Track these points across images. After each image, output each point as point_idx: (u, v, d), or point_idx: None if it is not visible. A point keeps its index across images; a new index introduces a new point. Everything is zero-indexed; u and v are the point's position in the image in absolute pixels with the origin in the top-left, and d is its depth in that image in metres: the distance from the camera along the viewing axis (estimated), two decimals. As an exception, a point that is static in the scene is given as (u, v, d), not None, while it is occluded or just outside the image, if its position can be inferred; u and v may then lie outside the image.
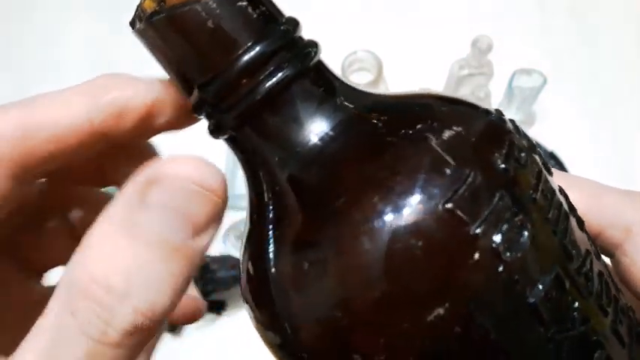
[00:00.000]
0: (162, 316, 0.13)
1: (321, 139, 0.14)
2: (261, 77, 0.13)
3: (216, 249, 0.64)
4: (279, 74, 0.13)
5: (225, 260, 0.64)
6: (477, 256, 0.12)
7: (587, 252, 0.14)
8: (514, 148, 0.14)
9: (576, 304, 0.13)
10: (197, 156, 0.13)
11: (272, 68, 0.13)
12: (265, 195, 0.14)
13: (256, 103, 0.13)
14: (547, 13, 0.83)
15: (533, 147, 0.15)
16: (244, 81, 0.13)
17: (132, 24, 0.14)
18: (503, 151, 0.14)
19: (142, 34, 0.14)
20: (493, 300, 0.12)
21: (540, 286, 0.12)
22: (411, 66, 0.79)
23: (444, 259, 0.12)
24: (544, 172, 0.15)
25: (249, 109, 0.14)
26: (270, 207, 0.14)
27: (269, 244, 0.14)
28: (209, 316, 0.68)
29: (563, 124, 0.76)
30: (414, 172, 0.13)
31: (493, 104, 0.74)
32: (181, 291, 0.13)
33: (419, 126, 0.13)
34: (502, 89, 0.75)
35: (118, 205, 0.13)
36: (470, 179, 0.12)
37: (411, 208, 0.12)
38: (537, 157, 0.15)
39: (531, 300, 0.12)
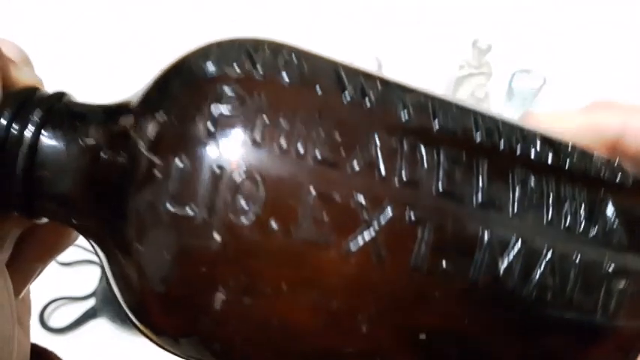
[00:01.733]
0: None
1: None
2: (11, 146, 0.14)
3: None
4: (25, 133, 0.14)
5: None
6: (215, 235, 0.12)
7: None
8: (220, 98, 0.13)
9: (365, 201, 0.13)
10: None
11: (14, 135, 0.14)
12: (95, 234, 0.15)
13: (25, 167, 0.14)
14: (547, 13, 0.83)
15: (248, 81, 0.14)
16: (7, 160, 0.14)
17: None
18: (206, 113, 0.13)
19: None
20: (255, 262, 0.13)
21: (301, 214, 0.12)
22: (411, 66, 0.79)
23: (193, 248, 0.13)
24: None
25: (24, 177, 0.14)
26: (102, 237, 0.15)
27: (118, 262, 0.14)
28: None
29: (563, 124, 0.76)
30: (138, 191, 0.13)
31: (493, 104, 0.74)
32: None
33: (131, 134, 0.14)
34: (502, 89, 0.75)
35: None
36: (176, 171, 0.13)
37: (145, 222, 0.13)
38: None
39: (302, 235, 0.13)
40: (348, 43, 0.77)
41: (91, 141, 0.14)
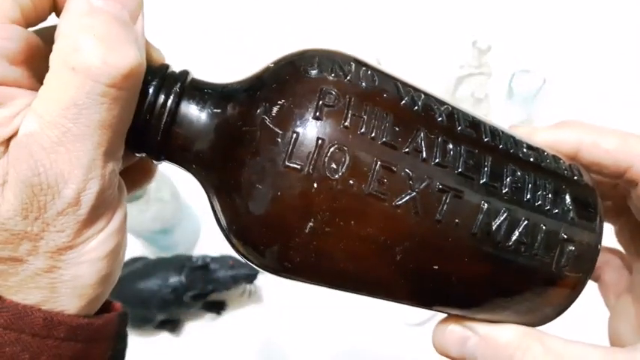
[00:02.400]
0: (139, 68, 0.18)
1: (217, 120, 0.20)
2: (158, 109, 0.20)
3: (216, 249, 0.64)
4: (169, 101, 0.20)
5: (225, 260, 0.64)
6: (315, 185, 0.19)
7: (421, 136, 0.20)
8: (323, 95, 0.19)
9: (411, 174, 0.19)
10: None
11: (161, 101, 0.20)
12: (211, 174, 0.21)
13: (166, 123, 0.20)
14: (547, 13, 0.83)
15: (351, 73, 0.20)
16: (148, 118, 0.19)
17: None
18: (314, 103, 0.19)
19: None
20: (341, 204, 0.19)
21: (371, 179, 0.19)
22: (411, 66, 0.79)
23: (299, 191, 0.19)
24: (369, 87, 0.20)
25: (164, 133, 0.20)
26: (216, 179, 0.21)
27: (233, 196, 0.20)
28: (209, 316, 0.68)
29: (562, 124, 0.76)
30: (262, 150, 0.19)
31: (493, 104, 0.74)
32: (143, 52, 0.18)
33: (258, 111, 0.19)
34: (502, 89, 0.75)
35: None
36: (292, 139, 0.19)
37: (266, 172, 0.19)
38: (363, 78, 0.20)
39: (369, 190, 0.19)
40: (349, 43, 0.78)
41: (219, 109, 0.20)
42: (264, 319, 0.68)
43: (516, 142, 0.23)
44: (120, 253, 0.20)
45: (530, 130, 0.25)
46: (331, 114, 0.19)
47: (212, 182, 0.21)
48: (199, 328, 0.68)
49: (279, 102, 0.19)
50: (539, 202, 0.21)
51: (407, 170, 0.19)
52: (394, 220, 0.19)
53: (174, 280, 0.62)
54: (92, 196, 0.18)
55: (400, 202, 0.19)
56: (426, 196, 0.19)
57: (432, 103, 0.21)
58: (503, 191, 0.21)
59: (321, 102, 0.19)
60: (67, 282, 0.18)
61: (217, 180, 0.20)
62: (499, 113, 0.76)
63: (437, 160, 0.20)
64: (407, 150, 0.19)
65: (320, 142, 0.18)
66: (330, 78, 0.20)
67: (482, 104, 0.71)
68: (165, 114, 0.19)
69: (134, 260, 0.67)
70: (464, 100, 0.73)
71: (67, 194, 0.17)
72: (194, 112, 0.20)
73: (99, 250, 0.19)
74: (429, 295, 0.22)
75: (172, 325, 0.67)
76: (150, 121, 0.19)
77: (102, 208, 0.18)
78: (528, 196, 0.21)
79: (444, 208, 0.19)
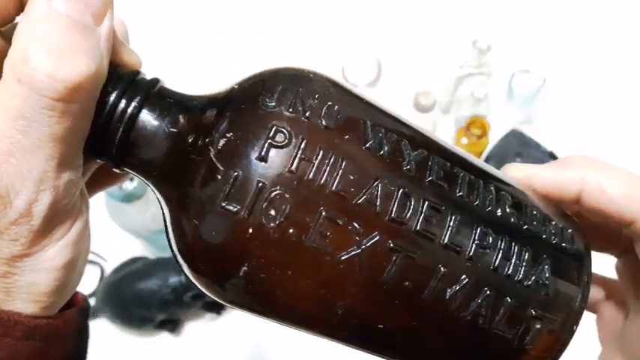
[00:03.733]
0: (90, 79, 0.17)
1: (170, 139, 0.19)
2: (117, 116, 0.18)
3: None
4: (129, 108, 0.18)
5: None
6: (250, 230, 0.17)
7: (377, 179, 0.18)
8: (273, 133, 0.18)
9: (358, 228, 0.18)
10: None
11: (121, 107, 0.18)
12: (164, 191, 0.20)
13: (124, 131, 0.18)
14: (547, 13, 0.83)
15: (309, 109, 0.18)
16: (107, 124, 0.18)
17: None
18: (261, 142, 0.18)
19: None
20: (277, 253, 0.18)
21: (312, 231, 0.17)
22: (411, 66, 0.79)
23: (233, 234, 0.18)
24: (317, 128, 0.18)
25: (121, 141, 0.18)
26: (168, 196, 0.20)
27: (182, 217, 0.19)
28: (209, 316, 0.68)
29: (562, 124, 0.76)
30: (202, 184, 0.18)
31: (493, 104, 0.74)
32: (99, 61, 0.17)
33: (206, 140, 0.18)
34: (502, 89, 0.75)
35: None
36: (232, 179, 0.17)
37: (205, 208, 0.18)
38: (319, 113, 0.18)
39: (309, 242, 0.17)
40: (349, 43, 0.78)
41: (175, 129, 0.19)
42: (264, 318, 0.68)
43: (498, 199, 0.20)
44: (78, 263, 0.20)
45: (530, 173, 0.22)
46: (277, 156, 0.17)
47: (164, 196, 0.20)
48: (199, 328, 0.68)
49: (227, 135, 0.18)
50: (509, 272, 0.19)
51: (355, 224, 0.17)
52: (336, 275, 0.18)
53: (174, 280, 0.62)
54: (44, 207, 0.17)
55: (343, 258, 0.17)
56: (373, 254, 0.18)
57: (403, 146, 0.19)
58: (467, 256, 0.18)
59: (269, 141, 0.17)
60: (22, 287, 0.18)
61: (167, 196, 0.20)
62: (499, 113, 0.76)
63: (392, 215, 0.18)
64: (359, 201, 0.17)
65: (260, 185, 0.17)
66: (286, 113, 0.18)
67: (482, 104, 0.71)
68: (125, 121, 0.18)
69: (134, 260, 0.67)
70: (464, 100, 0.73)
71: (18, 205, 0.17)
72: (152, 124, 0.19)
73: (56, 259, 0.18)
74: (377, 349, 0.20)
75: (172, 325, 0.67)
76: (109, 128, 0.18)
77: (57, 218, 0.18)
78: (496, 264, 0.19)
79: (393, 269, 0.18)
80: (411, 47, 0.81)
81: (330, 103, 0.19)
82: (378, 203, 0.18)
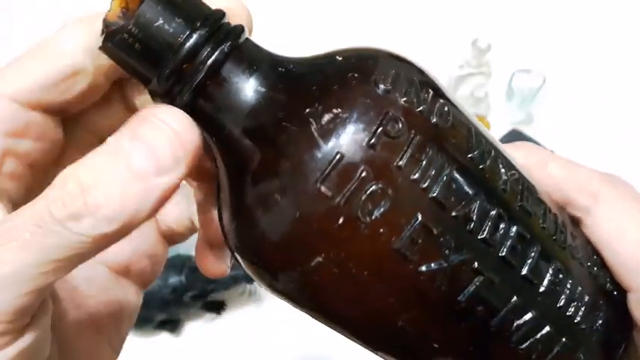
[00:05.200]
0: (120, 227, 0.16)
1: (257, 99, 0.17)
2: (200, 60, 0.16)
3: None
4: (213, 56, 0.16)
5: (225, 260, 0.64)
6: (340, 220, 0.16)
7: (475, 196, 0.17)
8: (387, 121, 0.16)
9: (450, 242, 0.16)
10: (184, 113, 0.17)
11: (207, 51, 0.16)
12: (227, 151, 0.18)
13: (201, 80, 0.16)
14: (547, 13, 0.83)
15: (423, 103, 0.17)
16: (185, 66, 0.16)
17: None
18: (373, 128, 0.16)
19: (104, 51, 0.17)
20: (360, 250, 0.16)
21: (404, 235, 0.16)
22: (411, 66, 0.79)
23: (320, 220, 0.16)
24: (432, 128, 0.17)
25: (196, 88, 0.16)
26: (233, 161, 0.18)
27: (243, 189, 0.17)
28: (209, 316, 0.68)
29: (562, 123, 0.76)
30: (294, 157, 0.16)
31: (492, 104, 0.74)
32: (138, 216, 0.16)
33: (307, 110, 0.16)
34: (501, 89, 0.75)
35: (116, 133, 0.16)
36: (334, 160, 0.16)
37: (292, 184, 0.16)
38: (435, 108, 0.17)
39: (396, 246, 0.16)
40: (348, 43, 0.78)
41: (265, 88, 0.17)
42: (264, 319, 0.68)
43: (572, 237, 0.20)
44: None
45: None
46: (388, 147, 0.16)
47: (228, 167, 0.18)
48: (199, 328, 0.68)
49: (334, 110, 0.16)
50: (571, 313, 0.18)
51: (448, 237, 0.16)
52: (412, 286, 0.17)
53: (174, 280, 0.62)
54: None
55: (425, 270, 0.16)
56: (457, 272, 0.17)
57: (500, 164, 0.18)
58: (540, 290, 0.18)
59: (381, 129, 0.16)
60: None
61: (235, 168, 0.18)
62: (499, 113, 0.76)
63: (484, 236, 0.17)
64: (456, 214, 0.16)
65: (364, 174, 0.16)
66: (401, 102, 0.16)
67: (482, 104, 0.71)
68: (209, 65, 0.16)
69: (134, 260, 0.67)
70: (464, 100, 0.73)
71: None
72: (239, 76, 0.17)
73: None
74: None
75: (172, 325, 0.67)
76: (186, 67, 0.16)
77: None
78: (562, 303, 0.18)
79: (470, 291, 0.17)
80: (411, 46, 0.81)
81: (441, 100, 0.17)
82: (474, 219, 0.17)
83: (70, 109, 0.18)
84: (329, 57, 0.18)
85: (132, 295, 0.25)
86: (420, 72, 0.18)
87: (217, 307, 0.68)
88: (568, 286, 0.19)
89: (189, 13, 0.16)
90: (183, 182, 0.21)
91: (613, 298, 0.20)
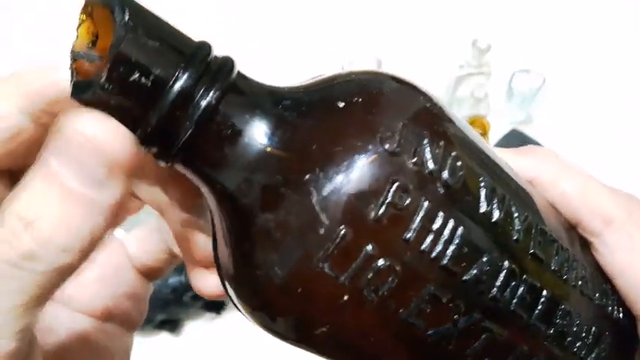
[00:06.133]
0: (78, 253, 0.15)
1: (254, 155, 0.15)
2: (190, 108, 0.14)
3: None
4: (203, 102, 0.14)
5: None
6: (345, 297, 0.15)
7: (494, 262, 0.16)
8: (395, 191, 0.15)
9: (460, 307, 0.16)
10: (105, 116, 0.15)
11: (197, 97, 0.14)
12: (223, 204, 0.16)
13: (192, 132, 0.14)
14: (547, 13, 0.83)
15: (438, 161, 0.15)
16: (178, 114, 0.14)
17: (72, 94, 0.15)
18: (380, 200, 0.15)
19: (77, 101, 0.15)
20: (366, 322, 0.15)
21: (413, 306, 0.15)
22: (411, 65, 0.79)
23: (322, 302, 0.15)
24: (443, 197, 0.15)
25: (187, 140, 0.15)
26: (230, 209, 0.16)
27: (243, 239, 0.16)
28: (209, 316, 0.68)
29: (562, 123, 0.76)
30: (295, 231, 0.15)
31: (492, 104, 0.74)
32: (83, 236, 0.15)
33: (307, 177, 0.15)
34: (501, 89, 0.75)
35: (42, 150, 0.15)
36: (338, 239, 0.14)
37: (291, 261, 0.15)
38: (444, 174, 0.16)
39: (404, 317, 0.15)
40: (348, 43, 0.78)
41: (261, 147, 0.15)
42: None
43: (576, 267, 0.19)
44: None
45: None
46: (396, 220, 0.15)
47: (228, 217, 0.16)
48: (199, 328, 0.68)
49: (337, 180, 0.14)
50: (576, 350, 0.18)
51: (457, 302, 0.15)
52: (419, 349, 0.16)
53: (174, 280, 0.62)
54: None
55: (433, 333, 0.16)
56: (465, 332, 0.16)
57: (513, 206, 0.17)
58: (547, 334, 0.17)
59: (389, 200, 0.14)
60: None
61: (232, 221, 0.16)
62: (499, 113, 0.76)
63: (494, 294, 0.16)
64: (466, 278, 0.15)
65: (370, 251, 0.14)
66: (410, 166, 0.15)
67: (481, 104, 0.71)
68: (199, 113, 0.14)
69: (134, 260, 0.67)
70: (464, 100, 0.73)
71: None
72: (233, 126, 0.15)
73: None
74: None
75: (172, 325, 0.67)
76: (174, 116, 0.14)
77: None
78: (568, 344, 0.18)
79: (477, 346, 0.16)
80: (410, 47, 0.81)
81: (454, 153, 0.16)
82: (484, 280, 0.16)
83: (16, 165, 0.17)
84: (330, 101, 0.16)
85: (120, 339, 0.25)
86: (432, 117, 0.16)
87: (217, 307, 0.68)
88: (575, 325, 0.18)
89: (170, 58, 0.14)
90: (156, 215, 0.20)
91: (621, 324, 0.20)
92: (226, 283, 0.17)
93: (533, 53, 0.78)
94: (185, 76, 0.14)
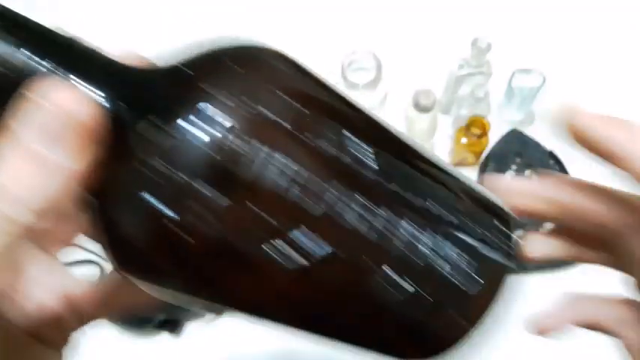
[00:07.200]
0: (24, 210, 0.15)
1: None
2: None
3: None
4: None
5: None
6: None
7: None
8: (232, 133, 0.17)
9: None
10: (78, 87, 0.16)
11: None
12: None
13: None
14: (547, 13, 0.83)
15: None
16: None
17: None
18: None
19: None
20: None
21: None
22: (411, 65, 0.79)
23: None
24: None
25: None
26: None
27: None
28: (209, 316, 0.68)
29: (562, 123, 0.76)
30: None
31: (492, 104, 0.74)
32: (46, 196, 0.15)
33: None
34: (501, 89, 0.75)
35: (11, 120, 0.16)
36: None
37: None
38: None
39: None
40: (348, 42, 0.77)
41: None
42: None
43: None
44: None
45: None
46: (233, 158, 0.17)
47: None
48: (199, 328, 0.68)
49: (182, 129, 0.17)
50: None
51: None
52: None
53: (174, 280, 0.62)
54: None
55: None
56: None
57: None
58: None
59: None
60: None
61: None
62: (499, 113, 0.76)
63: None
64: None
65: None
66: (247, 115, 0.18)
67: (482, 103, 0.71)
68: None
69: (134, 260, 0.67)
70: (464, 100, 0.73)
71: None
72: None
73: None
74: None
75: (172, 325, 0.67)
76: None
77: None
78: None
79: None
80: (410, 46, 0.81)
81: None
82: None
83: None
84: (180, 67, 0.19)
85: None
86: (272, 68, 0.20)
87: (217, 307, 0.68)
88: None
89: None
90: None
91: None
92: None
93: (533, 53, 0.78)
94: None
